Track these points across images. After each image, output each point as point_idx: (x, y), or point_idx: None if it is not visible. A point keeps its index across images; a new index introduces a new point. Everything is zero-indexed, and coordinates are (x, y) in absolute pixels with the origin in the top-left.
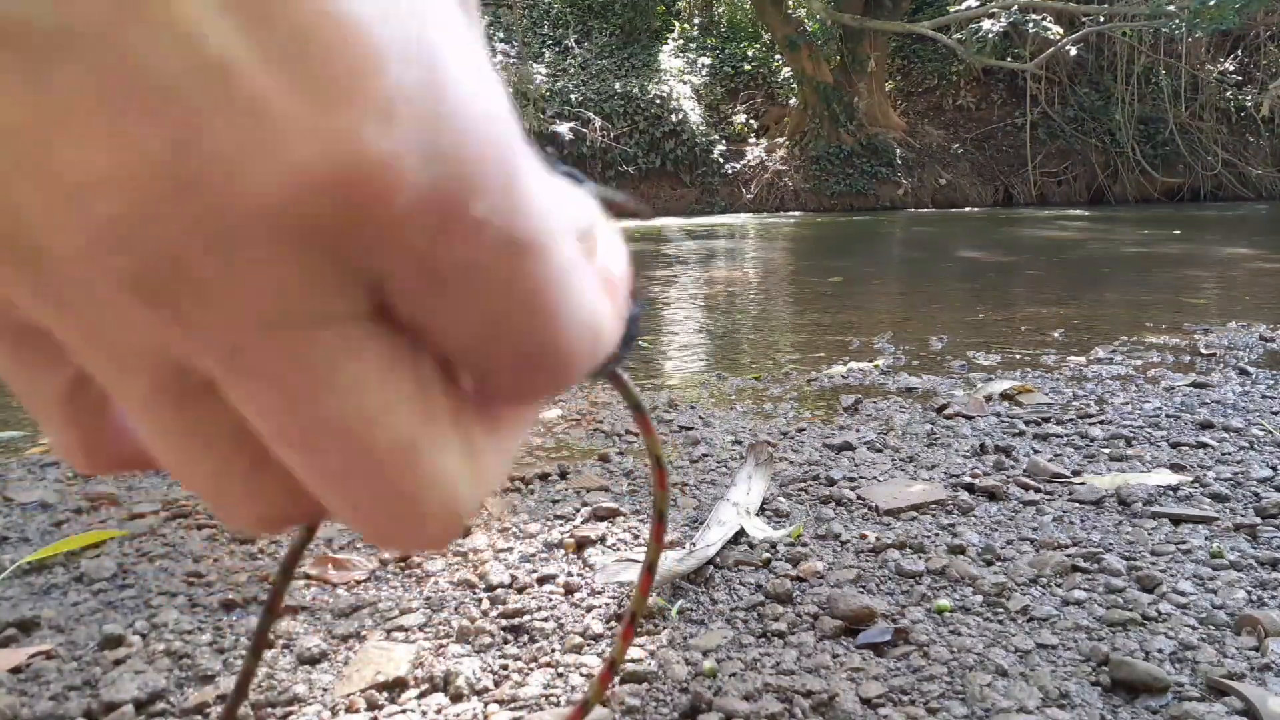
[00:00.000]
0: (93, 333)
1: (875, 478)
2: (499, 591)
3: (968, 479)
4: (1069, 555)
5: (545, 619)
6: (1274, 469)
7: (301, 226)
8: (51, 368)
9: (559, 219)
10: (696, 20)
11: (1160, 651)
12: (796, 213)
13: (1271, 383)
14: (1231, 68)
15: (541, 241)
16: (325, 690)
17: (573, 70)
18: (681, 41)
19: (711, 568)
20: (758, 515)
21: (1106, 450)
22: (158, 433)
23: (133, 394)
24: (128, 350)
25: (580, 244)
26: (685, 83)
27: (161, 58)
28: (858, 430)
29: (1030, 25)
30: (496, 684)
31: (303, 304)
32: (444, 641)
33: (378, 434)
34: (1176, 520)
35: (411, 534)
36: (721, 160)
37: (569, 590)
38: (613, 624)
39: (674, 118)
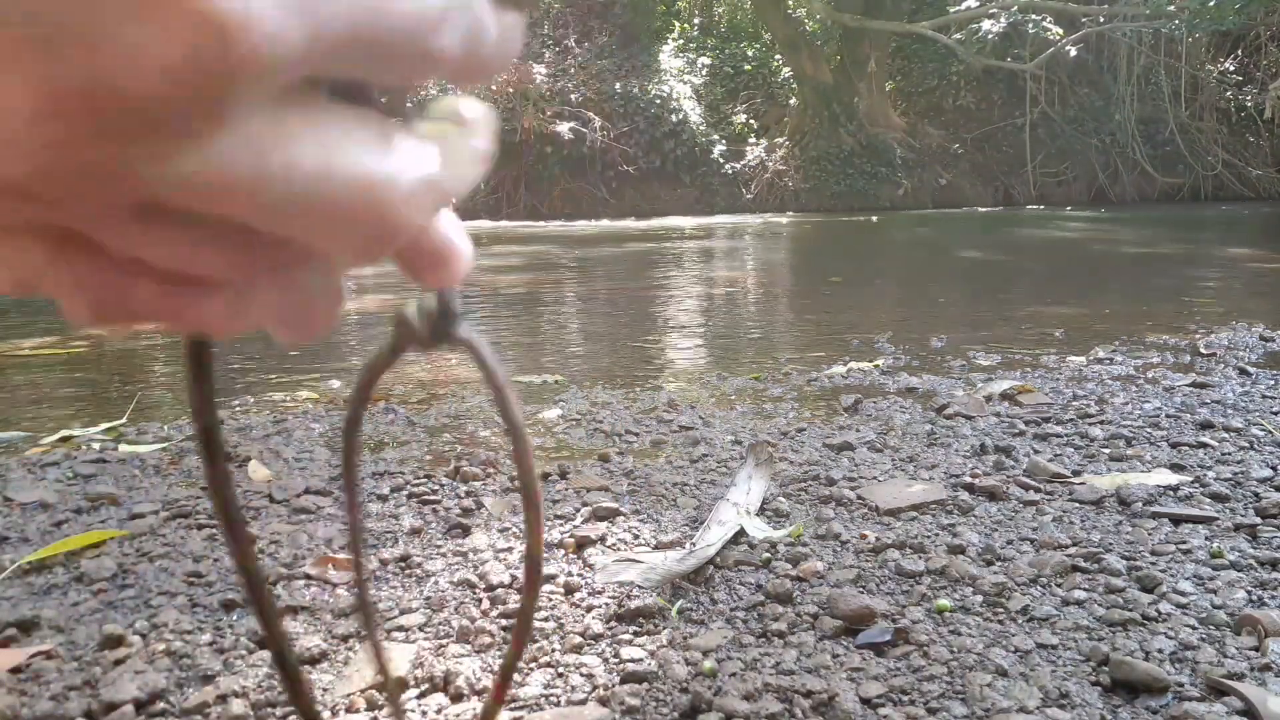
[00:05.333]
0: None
1: (875, 478)
2: (499, 591)
3: (968, 479)
4: (1069, 555)
5: (545, 619)
6: (1274, 469)
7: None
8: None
9: None
10: (696, 20)
11: (1160, 651)
12: (796, 213)
13: (1271, 383)
14: (1231, 68)
15: None
16: (325, 690)
17: (573, 70)
18: (681, 41)
19: (711, 568)
20: (758, 515)
21: (1106, 450)
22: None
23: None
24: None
25: None
26: (685, 83)
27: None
28: (858, 430)
29: (1030, 26)
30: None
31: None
32: (444, 641)
33: (331, 182)
34: (1176, 520)
35: (388, 239)
36: (721, 160)
37: (569, 590)
38: (613, 624)
39: (674, 118)
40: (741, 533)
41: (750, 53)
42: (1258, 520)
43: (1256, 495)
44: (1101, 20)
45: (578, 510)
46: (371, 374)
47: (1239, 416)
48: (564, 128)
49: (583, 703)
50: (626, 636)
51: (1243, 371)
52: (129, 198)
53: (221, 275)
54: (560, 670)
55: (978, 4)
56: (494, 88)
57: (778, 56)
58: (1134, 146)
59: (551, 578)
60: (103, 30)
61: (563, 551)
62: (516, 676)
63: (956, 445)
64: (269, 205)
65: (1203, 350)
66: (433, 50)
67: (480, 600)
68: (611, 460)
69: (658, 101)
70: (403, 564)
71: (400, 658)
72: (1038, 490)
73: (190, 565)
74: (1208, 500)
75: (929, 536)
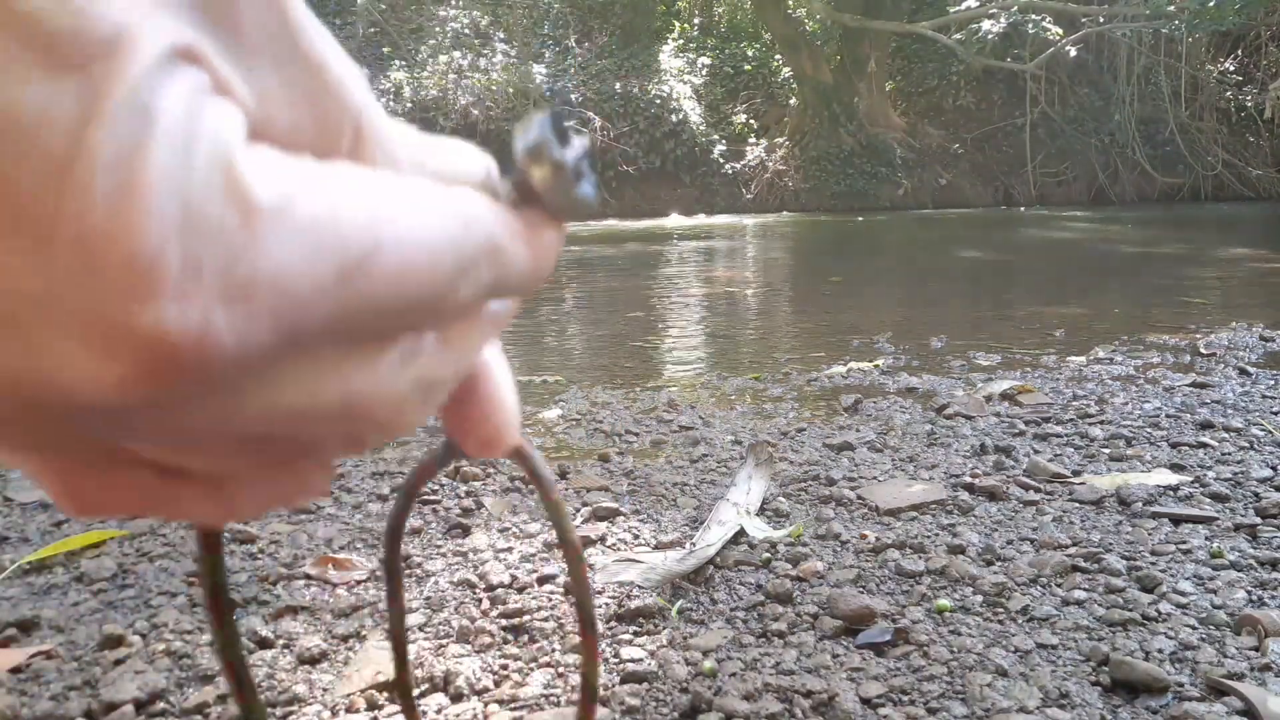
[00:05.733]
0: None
1: (875, 478)
2: (499, 591)
3: (968, 479)
4: (1069, 555)
5: (545, 619)
6: (1274, 469)
7: None
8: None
9: None
10: (696, 20)
11: (1160, 651)
12: (796, 213)
13: (1271, 383)
14: (1231, 68)
15: None
16: (325, 690)
17: (573, 70)
18: (681, 41)
19: (711, 568)
20: (758, 515)
21: (1106, 450)
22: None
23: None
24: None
25: None
26: (685, 83)
27: None
28: (858, 430)
29: (1030, 26)
30: (496, 684)
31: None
32: (444, 641)
33: (322, 407)
34: (1176, 520)
35: (383, 438)
36: (721, 160)
37: (569, 590)
38: (613, 624)
39: (674, 118)
40: (741, 533)
41: (750, 53)
42: (1258, 520)
43: (1256, 495)
44: (1101, 20)
45: (578, 510)
46: (419, 480)
47: (1239, 416)
48: None
49: None
50: (626, 636)
51: (1243, 371)
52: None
53: (210, 470)
54: (560, 670)
55: (978, 4)
56: (494, 87)
57: (778, 56)
58: (1134, 146)
59: (551, 578)
60: (41, 341)
61: (563, 552)
62: (516, 676)
63: (956, 445)
64: (250, 434)
65: (1203, 350)
66: (448, 306)
67: (480, 600)
68: (611, 460)
69: (658, 101)
70: (402, 564)
71: None
72: (1038, 490)
73: (190, 565)
74: (1208, 500)
75: (929, 536)
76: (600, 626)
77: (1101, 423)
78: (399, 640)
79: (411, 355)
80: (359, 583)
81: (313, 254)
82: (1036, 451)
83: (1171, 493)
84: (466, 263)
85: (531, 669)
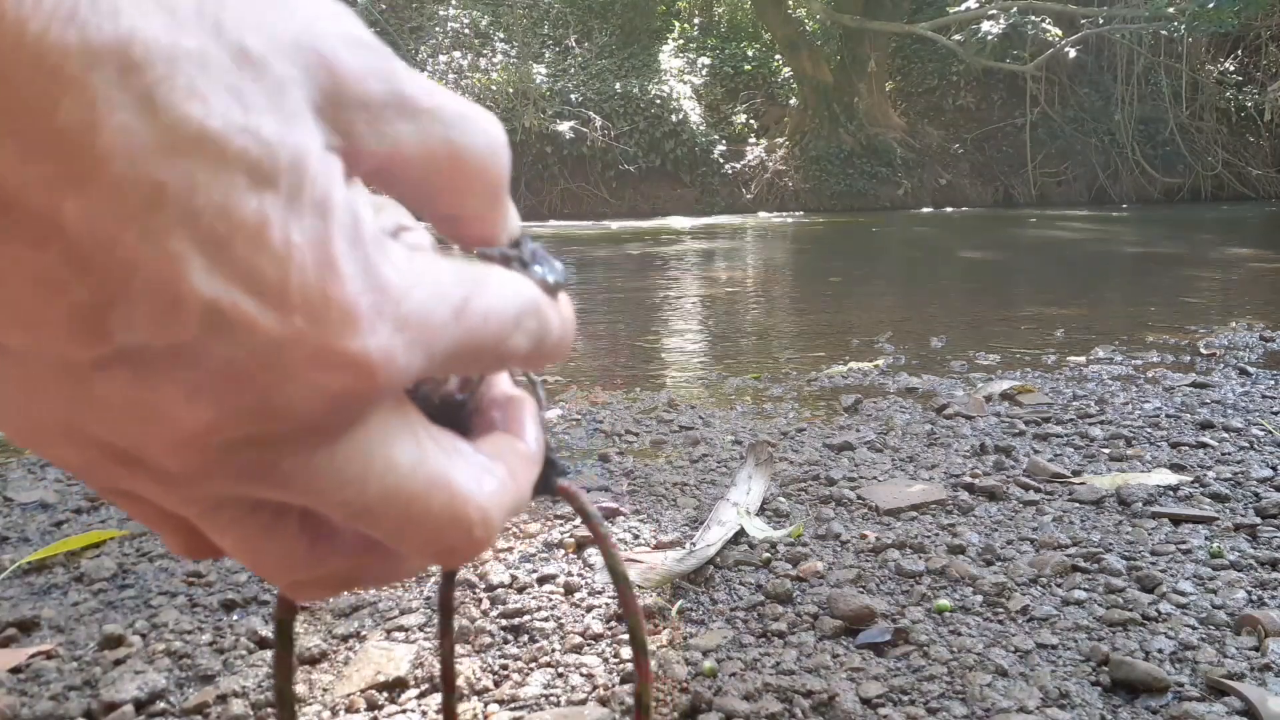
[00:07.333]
0: (197, 502)
1: (875, 478)
2: (499, 591)
3: (968, 479)
4: (1069, 555)
5: (545, 619)
6: (1274, 469)
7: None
8: (155, 513)
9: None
10: (696, 20)
11: (1160, 651)
12: (796, 213)
13: (1271, 383)
14: (1231, 68)
15: None
16: (325, 690)
17: (573, 70)
18: (681, 41)
19: (711, 568)
20: (758, 515)
21: (1106, 450)
22: (237, 539)
23: (220, 522)
24: (219, 502)
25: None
26: (685, 83)
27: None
28: (858, 430)
29: (1029, 27)
30: (496, 684)
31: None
32: None
33: (418, 478)
34: (1176, 520)
35: (465, 543)
36: (721, 160)
37: (569, 590)
38: (613, 624)
39: (674, 118)
40: (741, 533)
41: (750, 53)
42: (1258, 520)
43: (1256, 495)
44: (1100, 22)
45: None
46: None
47: (1239, 416)
48: (564, 128)
49: (583, 703)
50: (627, 636)
51: (1243, 371)
52: (254, 492)
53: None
54: (560, 670)
55: (977, 4)
56: (494, 87)
57: (778, 56)
58: (1134, 146)
59: (552, 578)
60: (283, 369)
61: (563, 551)
62: (516, 676)
63: (956, 445)
64: (365, 500)
65: (1203, 350)
66: (506, 353)
67: (480, 600)
68: (611, 460)
69: (658, 101)
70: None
71: (400, 658)
72: (1038, 490)
73: (190, 565)
74: (1208, 500)
75: (929, 536)
76: (600, 626)
77: (1101, 423)
78: (449, 669)
79: (491, 473)
80: None
81: (439, 297)
82: (1036, 451)
83: (1171, 493)
84: (521, 313)
85: (531, 669)
